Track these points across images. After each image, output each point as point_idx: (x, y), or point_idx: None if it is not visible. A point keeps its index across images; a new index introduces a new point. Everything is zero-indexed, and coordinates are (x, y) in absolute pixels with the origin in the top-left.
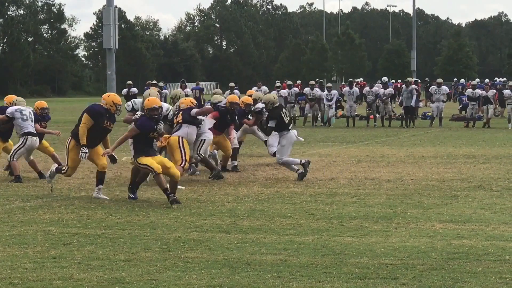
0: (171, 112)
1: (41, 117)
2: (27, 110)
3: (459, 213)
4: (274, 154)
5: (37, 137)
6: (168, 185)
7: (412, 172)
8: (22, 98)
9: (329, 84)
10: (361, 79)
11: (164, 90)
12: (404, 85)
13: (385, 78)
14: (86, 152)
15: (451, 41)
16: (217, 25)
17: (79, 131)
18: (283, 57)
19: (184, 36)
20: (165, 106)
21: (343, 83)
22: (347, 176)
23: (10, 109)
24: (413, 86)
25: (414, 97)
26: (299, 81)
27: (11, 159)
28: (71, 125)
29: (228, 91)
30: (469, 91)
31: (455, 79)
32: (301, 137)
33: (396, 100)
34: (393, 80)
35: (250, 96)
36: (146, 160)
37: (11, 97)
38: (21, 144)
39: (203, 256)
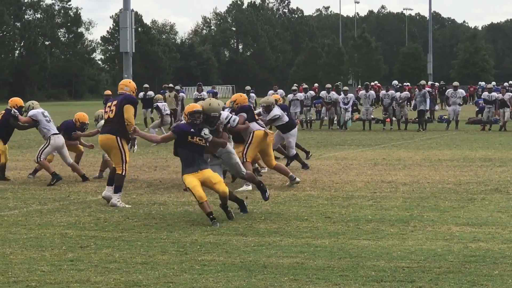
0: (234, 118)
1: (77, 129)
2: (46, 112)
3: (476, 216)
4: (294, 157)
5: (60, 135)
6: (211, 209)
7: (429, 175)
8: (36, 101)
9: (346, 88)
10: (376, 82)
11: (181, 94)
12: (417, 89)
13: (395, 82)
14: None
15: (467, 44)
16: (234, 29)
17: (130, 123)
18: (299, 60)
19: (200, 39)
20: (225, 114)
21: (359, 86)
22: (364, 179)
23: (34, 112)
24: (427, 89)
25: (428, 100)
26: (316, 84)
27: (38, 159)
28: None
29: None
30: (485, 94)
31: (480, 82)
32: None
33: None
34: (408, 83)
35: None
36: (191, 183)
37: (17, 101)
38: (46, 144)
39: (220, 259)
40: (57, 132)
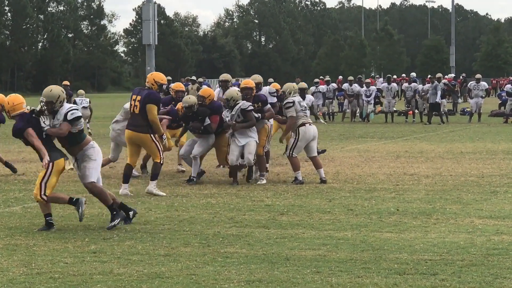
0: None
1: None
2: None
3: (499, 209)
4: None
5: None
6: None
7: (451, 168)
8: None
9: (368, 80)
10: (404, 75)
11: (204, 86)
12: (430, 82)
13: (413, 74)
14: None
15: (490, 36)
16: (256, 21)
17: (155, 124)
18: (322, 53)
19: (223, 32)
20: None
21: (381, 78)
22: (386, 172)
23: None
24: (444, 81)
25: (439, 93)
26: (340, 77)
27: None
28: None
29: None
30: (508, 86)
31: None
32: None
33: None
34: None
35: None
36: None
37: None
38: None
39: (242, 251)
40: None
